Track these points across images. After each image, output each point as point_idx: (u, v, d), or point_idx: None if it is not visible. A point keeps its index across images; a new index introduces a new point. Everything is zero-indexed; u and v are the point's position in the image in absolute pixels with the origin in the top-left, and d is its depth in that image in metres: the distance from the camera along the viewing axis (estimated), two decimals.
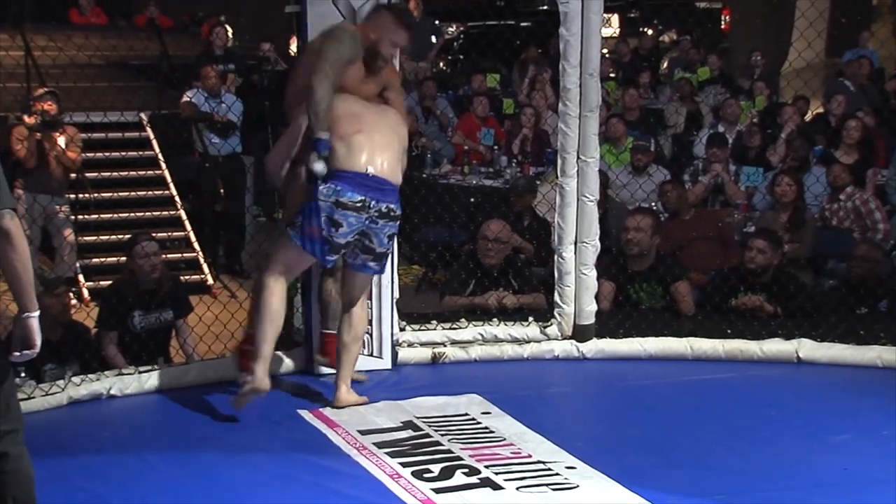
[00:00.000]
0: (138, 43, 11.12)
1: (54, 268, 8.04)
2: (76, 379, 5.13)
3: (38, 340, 3.40)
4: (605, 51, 5.77)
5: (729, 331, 5.88)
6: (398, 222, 4.85)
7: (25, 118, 8.22)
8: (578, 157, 5.68)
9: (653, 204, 7.58)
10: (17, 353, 3.39)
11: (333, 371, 5.15)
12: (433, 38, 12.91)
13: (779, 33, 12.49)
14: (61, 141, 8.22)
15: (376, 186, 4.66)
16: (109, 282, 8.40)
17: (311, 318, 5.40)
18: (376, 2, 5.24)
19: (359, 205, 4.61)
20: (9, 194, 3.32)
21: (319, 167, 4.60)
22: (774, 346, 5.75)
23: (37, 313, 3.39)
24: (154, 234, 6.32)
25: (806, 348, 5.71)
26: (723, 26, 14.90)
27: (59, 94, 8.39)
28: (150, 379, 5.24)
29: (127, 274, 5.95)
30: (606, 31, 6.57)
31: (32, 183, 8.26)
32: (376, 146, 4.73)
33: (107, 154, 9.12)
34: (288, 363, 5.48)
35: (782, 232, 6.97)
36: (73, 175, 8.56)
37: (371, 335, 5.52)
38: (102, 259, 8.77)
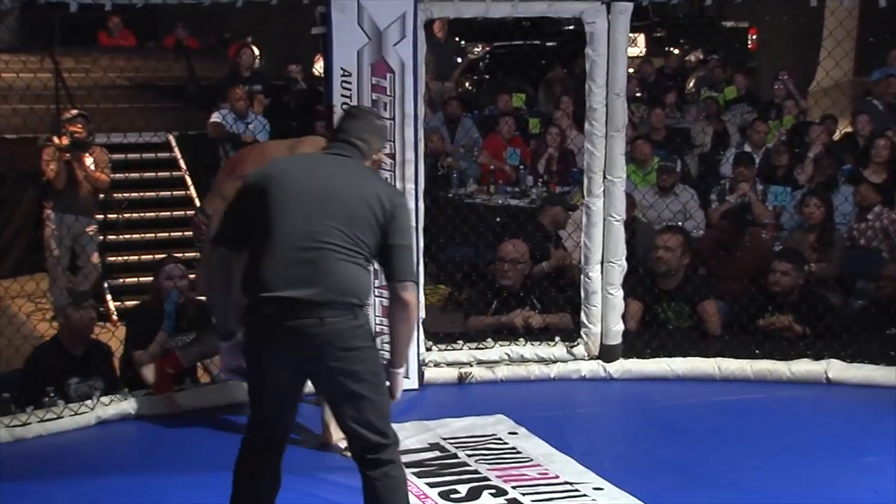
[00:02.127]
0: (163, 64, 11.21)
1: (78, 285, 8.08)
2: (105, 399, 5.15)
3: (398, 393, 3.66)
4: (630, 70, 5.77)
5: (757, 351, 5.84)
6: None
7: (55, 139, 8.29)
8: (605, 177, 5.68)
9: (679, 223, 7.55)
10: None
11: None
12: (457, 59, 12.97)
13: (806, 52, 12.44)
14: (89, 162, 8.28)
15: None
16: (136, 302, 8.50)
17: None
18: (402, 24, 5.28)
19: None
20: (413, 268, 3.57)
21: None
22: (803, 367, 5.70)
23: (401, 370, 3.65)
24: (181, 255, 6.33)
25: (835, 369, 5.66)
26: (749, 45, 14.86)
27: (87, 115, 8.47)
28: (177, 399, 5.26)
29: (154, 295, 5.96)
30: (632, 51, 6.57)
31: (61, 203, 8.32)
32: None
33: (127, 175, 9.18)
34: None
35: (810, 252, 6.93)
36: (101, 196, 8.62)
37: None
38: (128, 279, 8.84)
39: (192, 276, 5.78)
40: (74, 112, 8.42)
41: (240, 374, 3.71)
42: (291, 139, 5.27)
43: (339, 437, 4.88)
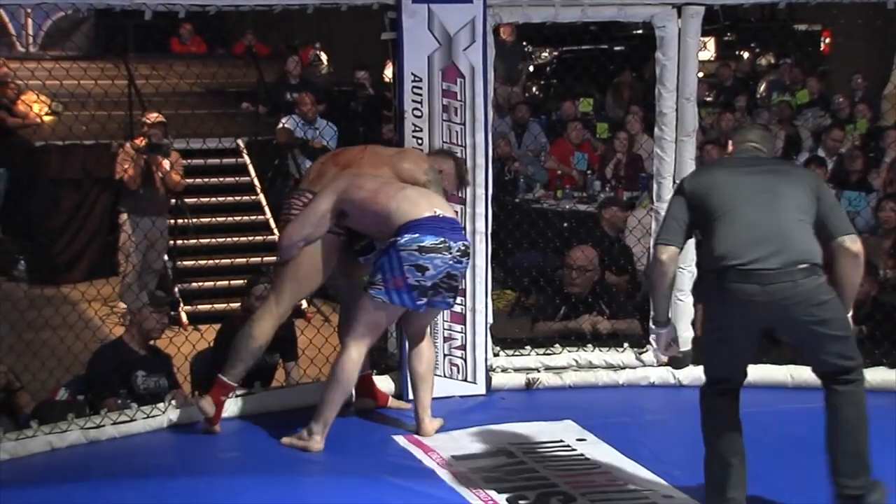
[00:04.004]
0: (237, 70, 11.36)
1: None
2: (175, 402, 5.21)
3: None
4: (700, 74, 5.73)
5: None
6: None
7: (134, 141, 8.42)
8: (674, 182, 5.62)
9: None
10: None
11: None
12: (522, 65, 12.94)
13: (881, 55, 12.22)
14: (166, 164, 8.40)
15: (449, 227, 4.67)
16: (208, 306, 8.60)
17: (405, 343, 5.39)
18: (472, 29, 5.28)
19: (440, 246, 4.59)
20: (849, 222, 4.06)
21: None
22: (879, 375, 5.59)
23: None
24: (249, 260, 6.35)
25: None
26: (822, 48, 14.65)
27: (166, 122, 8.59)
28: (247, 403, 5.30)
29: (244, 314, 5.97)
30: (703, 55, 6.50)
31: (137, 206, 8.43)
32: (430, 194, 4.80)
33: (206, 180, 9.32)
34: (383, 388, 5.49)
35: (885, 258, 6.80)
36: (173, 200, 8.74)
37: (465, 360, 5.52)
38: (198, 283, 8.95)
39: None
40: (156, 117, 8.50)
41: (676, 358, 4.23)
42: (396, 148, 5.27)
43: (433, 429, 4.94)
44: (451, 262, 4.62)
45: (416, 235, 4.58)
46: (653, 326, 4.36)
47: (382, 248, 4.71)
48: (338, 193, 4.81)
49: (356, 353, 4.74)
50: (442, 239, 4.60)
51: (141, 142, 8.38)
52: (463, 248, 4.69)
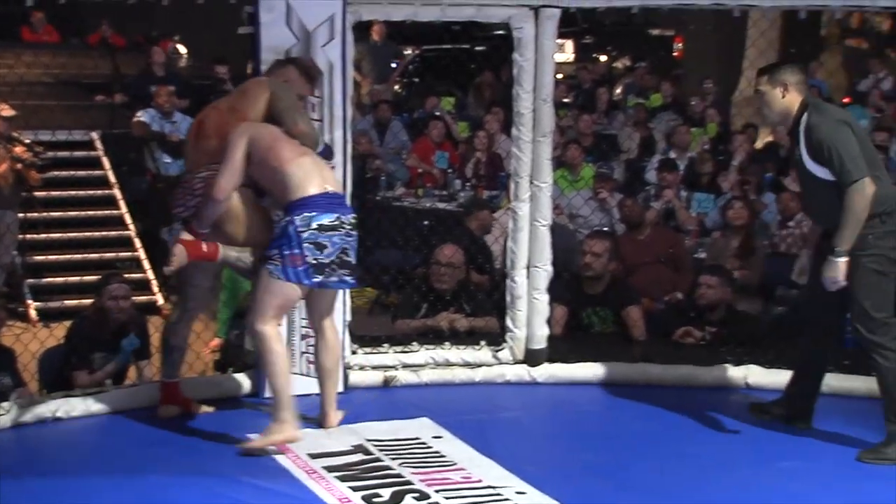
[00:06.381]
0: (89, 61, 11.08)
1: None
2: (21, 401, 5.06)
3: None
4: (558, 76, 5.82)
5: (679, 356, 5.91)
6: None
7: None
8: (531, 182, 5.71)
9: (605, 228, 7.62)
10: None
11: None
12: (393, 64, 12.96)
13: (730, 61, 12.64)
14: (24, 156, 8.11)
15: (338, 202, 4.68)
16: (59, 302, 8.37)
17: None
18: (331, 25, 5.26)
19: (336, 223, 4.57)
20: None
21: None
22: (723, 373, 5.78)
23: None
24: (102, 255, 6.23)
25: (755, 374, 5.74)
26: (675, 53, 15.07)
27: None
28: (97, 402, 5.17)
29: (95, 313, 5.85)
30: (560, 57, 6.62)
31: None
32: (322, 166, 4.76)
33: (56, 174, 9.05)
34: (237, 386, 5.43)
35: (732, 259, 7.02)
36: (23, 193, 8.46)
37: None
38: (48, 279, 8.71)
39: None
40: (7, 110, 8.18)
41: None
42: (234, 96, 5.01)
43: (337, 421, 4.94)
44: (344, 237, 4.60)
45: (314, 214, 4.52)
46: (838, 258, 4.59)
47: (278, 225, 4.60)
48: (247, 136, 4.61)
49: (271, 330, 4.61)
50: (336, 216, 4.57)
51: None
52: (353, 220, 4.66)
